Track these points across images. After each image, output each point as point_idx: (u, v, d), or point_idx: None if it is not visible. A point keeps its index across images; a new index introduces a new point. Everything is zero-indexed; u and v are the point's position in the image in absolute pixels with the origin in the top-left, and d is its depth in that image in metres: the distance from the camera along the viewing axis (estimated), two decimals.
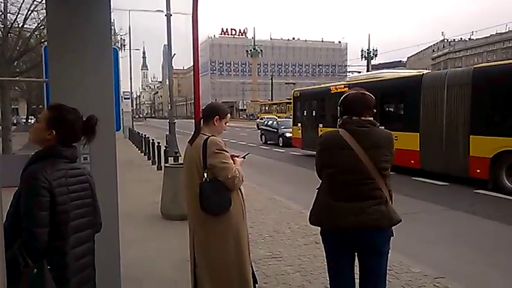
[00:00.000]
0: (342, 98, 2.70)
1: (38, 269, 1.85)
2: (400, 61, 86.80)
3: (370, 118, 2.61)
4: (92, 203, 2.15)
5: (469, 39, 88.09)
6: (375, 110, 2.66)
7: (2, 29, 12.89)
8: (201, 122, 3.20)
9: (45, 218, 1.89)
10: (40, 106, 28.32)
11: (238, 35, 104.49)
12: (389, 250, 2.70)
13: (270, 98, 71.49)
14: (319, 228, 2.76)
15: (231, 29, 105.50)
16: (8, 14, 12.88)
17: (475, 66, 11.11)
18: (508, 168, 9.19)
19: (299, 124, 18.04)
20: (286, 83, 76.28)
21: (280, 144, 21.94)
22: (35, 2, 12.32)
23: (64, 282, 1.95)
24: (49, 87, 3.04)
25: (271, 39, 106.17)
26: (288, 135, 20.84)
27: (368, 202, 2.51)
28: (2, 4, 12.67)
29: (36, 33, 13.66)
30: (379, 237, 2.59)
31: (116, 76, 3.39)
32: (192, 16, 2.93)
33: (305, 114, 17.91)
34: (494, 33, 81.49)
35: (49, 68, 2.87)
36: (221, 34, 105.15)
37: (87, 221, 2.11)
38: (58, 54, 2.82)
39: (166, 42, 18.14)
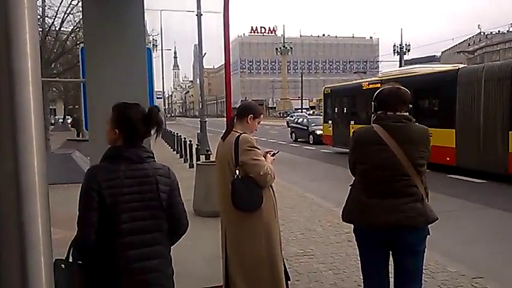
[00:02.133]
0: (376, 93, 2.65)
1: (66, 266, 1.91)
2: (434, 56, 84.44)
3: (405, 113, 2.56)
4: (157, 206, 2.01)
5: (508, 31, 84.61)
6: (410, 105, 2.60)
7: (40, 32, 13.36)
8: (234, 119, 3.22)
9: (92, 217, 1.92)
10: (76, 106, 29.19)
11: (268, 33, 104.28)
12: (425, 249, 2.64)
13: (299, 96, 71.05)
14: (352, 225, 2.73)
15: (261, 27, 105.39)
16: (46, 18, 13.34)
17: None
18: None
19: (330, 121, 17.86)
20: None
21: (311, 142, 21.79)
22: (71, 5, 12.72)
23: (110, 282, 1.96)
24: (85, 87, 3.13)
25: (300, 36, 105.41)
26: (318, 132, 20.68)
27: (403, 199, 2.46)
28: (40, 8, 13.12)
29: (72, 35, 14.10)
30: (415, 236, 2.53)
31: (150, 76, 3.45)
32: (224, 15, 2.94)
33: (336, 111, 17.72)
34: None
35: (86, 68, 2.96)
36: (251, 32, 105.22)
37: (150, 224, 2.00)
38: (94, 55, 2.90)
39: (197, 42, 18.33)
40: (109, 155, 2.04)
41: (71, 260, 1.97)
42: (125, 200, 1.95)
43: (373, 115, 2.64)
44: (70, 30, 13.76)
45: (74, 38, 14.26)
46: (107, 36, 2.90)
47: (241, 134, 3.05)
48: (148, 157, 2.05)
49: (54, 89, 27.25)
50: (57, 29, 13.63)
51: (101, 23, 2.88)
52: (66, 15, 12.99)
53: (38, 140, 0.78)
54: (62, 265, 1.92)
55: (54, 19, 13.33)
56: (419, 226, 2.50)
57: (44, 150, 0.81)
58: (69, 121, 40.96)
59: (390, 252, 2.63)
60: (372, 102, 2.65)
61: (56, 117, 52.91)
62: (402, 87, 2.61)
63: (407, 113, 2.57)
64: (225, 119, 3.65)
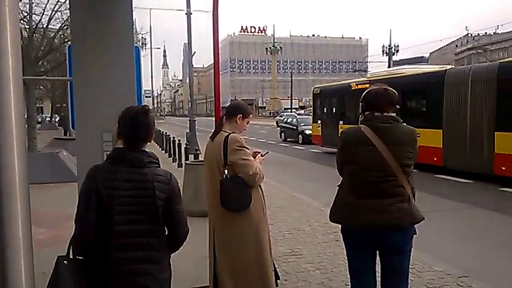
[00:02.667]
0: (364, 93, 2.67)
1: (68, 262, 1.95)
2: (423, 57, 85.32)
3: (393, 114, 2.57)
4: (153, 211, 1.99)
5: (494, 33, 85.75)
6: (398, 106, 2.62)
7: (27, 30, 13.18)
8: (223, 118, 3.22)
9: (88, 216, 1.96)
10: (64, 104, 28.87)
11: (258, 33, 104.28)
12: (412, 249, 2.66)
13: (289, 96, 71.22)
14: (340, 225, 2.74)
15: (251, 27, 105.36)
16: (33, 15, 13.16)
17: (501, 61, 10.87)
18: None
19: (319, 121, 17.93)
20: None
21: (300, 142, 21.86)
22: (59, 3, 12.56)
23: (101, 282, 1.98)
24: (72, 85, 3.10)
25: (290, 36, 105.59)
26: (307, 132, 20.75)
27: (390, 200, 2.48)
28: (27, 5, 12.95)
29: (60, 33, 13.92)
30: (402, 236, 2.55)
31: (138, 74, 3.43)
32: (213, 14, 2.94)
33: (325, 111, 17.79)
34: None
35: (72, 67, 2.93)
36: (240, 32, 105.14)
37: (144, 228, 1.99)
38: (81, 53, 2.87)
39: (186, 41, 18.25)
40: (111, 156, 2.06)
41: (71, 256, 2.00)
42: (121, 202, 1.96)
43: (360, 116, 2.65)
44: (58, 27, 13.60)
45: (62, 36, 14.08)
46: (94, 34, 2.87)
47: (230, 133, 3.05)
48: (150, 162, 2.04)
49: (41, 87, 26.90)
50: (44, 26, 13.46)
51: (89, 21, 2.85)
52: (54, 12, 12.84)
53: (19, 139, 0.76)
54: (65, 261, 1.95)
55: (42, 16, 13.17)
56: (405, 226, 2.52)
57: (24, 149, 0.79)
58: (56, 120, 40.53)
59: (377, 251, 2.65)
60: (360, 103, 2.66)
61: (43, 115, 52.31)
62: (389, 88, 2.63)
63: (395, 114, 2.58)
64: (214, 118, 3.65)
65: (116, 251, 1.96)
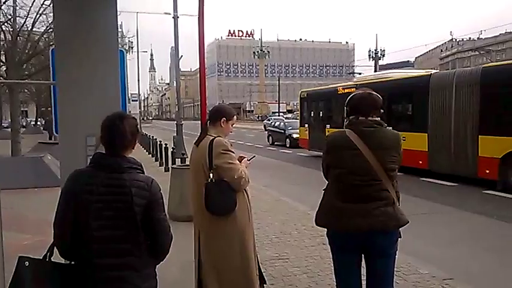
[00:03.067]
0: (348, 98, 2.69)
1: (30, 263, 1.94)
2: (408, 61, 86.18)
3: (377, 118, 2.59)
4: (131, 217, 1.94)
5: (478, 38, 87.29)
6: (382, 111, 2.64)
7: (11, 33, 13.01)
8: (208, 123, 3.21)
9: (65, 220, 1.95)
10: (49, 108, 28.54)
11: (245, 37, 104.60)
12: (397, 252, 2.68)
13: (277, 100, 71.41)
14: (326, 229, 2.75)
15: (238, 31, 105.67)
16: (17, 18, 13.00)
17: (484, 65, 11.04)
18: None
19: (306, 125, 18.00)
20: None
21: (287, 145, 21.89)
22: (43, 5, 12.43)
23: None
24: (56, 89, 3.07)
25: (278, 40, 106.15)
26: (295, 136, 20.80)
27: (375, 203, 2.49)
28: (12, 8, 12.79)
29: (45, 36, 13.77)
30: (386, 239, 2.56)
31: (123, 78, 3.40)
32: (199, 18, 2.93)
33: (312, 115, 17.87)
34: (503, 32, 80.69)
35: (56, 70, 2.90)
36: (228, 36, 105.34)
37: (121, 234, 1.94)
38: (65, 57, 2.84)
39: (173, 44, 18.20)
40: (92, 160, 2.04)
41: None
42: (98, 208, 1.93)
43: (345, 120, 2.67)
44: (43, 30, 13.45)
45: (47, 39, 13.93)
46: (78, 37, 2.84)
47: (215, 137, 3.04)
48: (130, 167, 2.00)
49: (25, 90, 26.56)
50: (29, 29, 13.30)
51: (72, 24, 2.82)
52: (38, 15, 12.70)
53: None
54: (26, 262, 1.93)
55: (26, 19, 13.01)
56: (390, 230, 2.54)
57: None
58: (42, 124, 39.98)
59: (362, 255, 2.66)
60: (345, 107, 2.68)
61: (28, 119, 51.57)
62: (374, 93, 2.65)
63: (379, 118, 2.60)
64: (200, 122, 3.64)
65: (95, 257, 1.93)
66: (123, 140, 2.01)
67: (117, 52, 2.98)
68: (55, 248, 2.02)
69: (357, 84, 14.00)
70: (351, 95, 2.69)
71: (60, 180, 2.96)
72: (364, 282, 2.73)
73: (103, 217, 1.93)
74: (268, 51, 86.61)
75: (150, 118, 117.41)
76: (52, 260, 2.01)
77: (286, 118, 35.41)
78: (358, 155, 2.49)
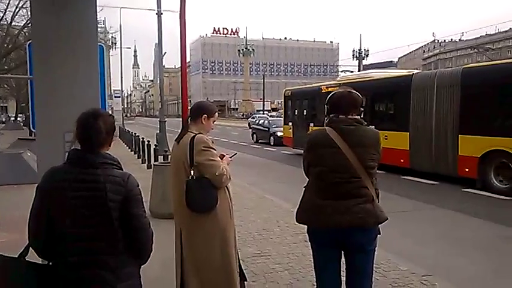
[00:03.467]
0: (329, 96, 2.71)
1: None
2: (391, 61, 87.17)
3: (356, 117, 2.61)
4: (106, 214, 1.89)
5: (459, 40, 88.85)
6: (362, 109, 2.67)
7: None
8: (189, 120, 3.19)
9: (39, 217, 1.92)
10: (23, 104, 28.04)
11: (230, 34, 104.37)
12: (376, 248, 2.71)
13: (261, 98, 71.51)
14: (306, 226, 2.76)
15: (223, 28, 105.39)
16: None
17: (464, 66, 11.23)
18: (496, 168, 9.28)
19: (290, 123, 18.05)
20: None
21: (272, 143, 21.97)
22: None
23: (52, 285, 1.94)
24: (33, 84, 3.01)
25: (263, 38, 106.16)
26: (279, 134, 20.85)
27: (354, 200, 2.51)
28: None
29: (24, 30, 13.51)
30: (365, 236, 2.59)
31: (102, 74, 3.35)
32: (180, 15, 2.90)
33: (296, 113, 17.92)
34: (484, 35, 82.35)
35: (33, 65, 2.84)
36: (213, 33, 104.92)
37: (95, 231, 1.91)
38: (42, 51, 2.78)
39: (157, 41, 18.03)
40: (68, 157, 2.00)
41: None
42: (71, 204, 1.89)
43: (326, 118, 2.68)
44: (22, 24, 13.19)
45: (27, 34, 13.67)
46: (55, 31, 2.78)
47: (196, 134, 3.03)
48: (105, 163, 1.96)
49: (5, 85, 26.01)
50: (8, 23, 13.03)
51: (50, 18, 2.76)
52: (18, 9, 12.46)
53: None
54: None
55: (5, 13, 12.75)
56: (369, 226, 2.57)
57: None
58: (22, 120, 39.22)
59: (342, 251, 2.68)
60: (325, 106, 2.70)
61: (8, 115, 50.56)
62: (354, 91, 2.67)
63: (359, 117, 2.63)
64: (181, 119, 3.61)
65: (69, 255, 1.90)
66: (98, 137, 1.97)
67: (97, 47, 2.93)
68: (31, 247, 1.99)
69: (340, 84, 14.09)
70: (331, 94, 2.71)
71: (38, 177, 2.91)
72: (343, 279, 2.75)
73: (77, 214, 1.89)
74: (253, 49, 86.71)
75: (134, 115, 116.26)
76: (27, 259, 1.97)
77: (270, 116, 35.51)
78: (338, 153, 2.51)
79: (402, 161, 11.51)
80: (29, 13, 12.43)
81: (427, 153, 10.93)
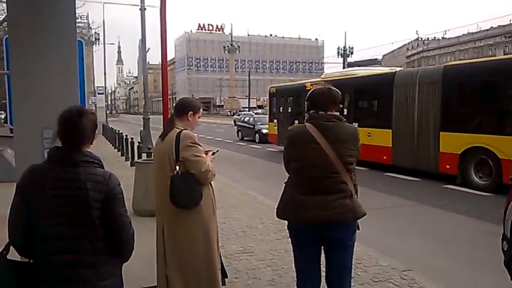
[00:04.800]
0: (309, 93, 2.73)
1: None
2: (376, 59, 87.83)
3: (336, 113, 2.65)
4: (86, 213, 1.88)
5: (442, 38, 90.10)
6: (341, 106, 2.70)
7: None
8: (173, 117, 3.18)
9: (18, 216, 1.91)
10: (4, 101, 27.48)
11: (216, 31, 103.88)
12: (355, 243, 2.75)
13: (247, 95, 71.44)
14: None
15: (208, 25, 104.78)
16: None
17: (445, 64, 11.36)
18: (476, 164, 9.43)
19: (275, 120, 18.06)
20: None
21: (257, 141, 21.99)
22: None
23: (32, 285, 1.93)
24: (10, 79, 2.96)
25: (248, 35, 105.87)
26: (264, 131, 20.88)
27: (333, 196, 2.55)
28: None
29: (4, 24, 13.24)
30: (344, 231, 2.63)
31: (81, 70, 3.31)
32: (160, 10, 2.88)
33: (281, 110, 17.92)
34: (466, 33, 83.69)
35: (10, 60, 2.79)
36: (198, 29, 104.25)
37: (76, 230, 1.89)
38: (19, 45, 2.73)
39: (141, 37, 17.86)
40: (48, 154, 1.99)
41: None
42: (51, 203, 1.88)
43: (306, 114, 2.71)
44: (2, 19, 12.92)
45: (7, 29, 13.41)
46: (32, 26, 2.74)
47: (182, 130, 3.02)
48: (85, 161, 1.94)
49: None
50: None
51: (27, 12, 2.72)
52: None
53: None
54: None
55: None
56: (348, 221, 2.60)
57: None
58: (2, 116, 38.40)
59: (322, 246, 2.71)
60: (305, 102, 2.72)
61: None
62: (333, 88, 2.70)
63: (338, 113, 2.66)
64: (162, 116, 3.59)
65: (49, 254, 1.88)
66: (81, 136, 1.96)
67: (75, 42, 2.90)
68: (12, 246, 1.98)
69: (324, 81, 14.16)
70: (311, 90, 2.74)
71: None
72: (323, 274, 2.79)
73: (57, 213, 1.88)
74: (238, 46, 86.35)
75: (117, 112, 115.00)
76: (8, 257, 1.95)
77: (256, 113, 35.52)
78: (318, 149, 2.54)
79: (385, 157, 11.62)
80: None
81: (409, 150, 11.05)
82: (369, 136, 11.64)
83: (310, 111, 2.67)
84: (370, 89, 12.82)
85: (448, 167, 9.96)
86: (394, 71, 12.43)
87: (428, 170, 10.54)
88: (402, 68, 15.65)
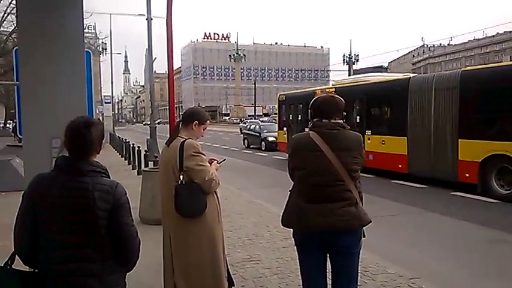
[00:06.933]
0: (312, 101, 2.75)
1: None
2: (382, 66, 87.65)
3: (339, 121, 2.66)
4: (93, 222, 1.89)
5: (448, 44, 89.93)
6: (344, 113, 2.71)
7: None
8: (180, 125, 3.21)
9: (25, 224, 1.92)
10: (12, 111, 27.81)
11: (221, 40, 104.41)
12: (361, 251, 2.74)
13: (253, 103, 71.55)
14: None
15: (214, 34, 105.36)
16: None
17: (463, 69, 10.81)
18: (497, 173, 9.02)
19: (284, 128, 17.65)
20: None
21: (263, 149, 21.95)
22: (11, 5, 12.14)
23: None
24: (20, 90, 3.01)
25: (254, 43, 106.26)
26: (270, 139, 20.87)
27: (338, 204, 2.55)
28: None
29: (13, 36, 13.45)
30: (350, 238, 2.63)
31: (89, 80, 3.36)
32: (167, 21, 2.92)
33: (291, 118, 17.48)
34: (472, 39, 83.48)
35: (20, 71, 2.85)
36: (204, 38, 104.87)
37: (82, 239, 1.90)
38: (28, 57, 2.79)
39: (147, 46, 17.98)
40: (56, 164, 2.00)
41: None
42: (58, 212, 1.90)
43: (310, 122, 2.72)
44: (11, 30, 13.13)
45: (16, 39, 13.60)
46: (42, 37, 2.79)
47: (186, 139, 3.05)
48: (92, 171, 1.96)
49: None
50: None
51: (36, 25, 2.78)
52: (6, 14, 12.40)
53: None
54: None
55: None
56: (353, 229, 2.60)
57: None
58: (12, 126, 38.77)
59: (327, 254, 2.71)
60: (309, 110, 2.74)
61: None
62: (336, 96, 2.72)
63: (342, 121, 2.67)
64: (168, 125, 3.62)
65: (55, 263, 1.90)
66: (88, 147, 1.99)
67: (83, 53, 2.95)
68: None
69: (335, 87, 13.87)
70: (314, 98, 2.76)
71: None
72: (329, 281, 2.78)
73: (64, 222, 1.90)
74: (244, 55, 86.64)
75: (124, 121, 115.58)
76: (14, 267, 1.96)
77: (261, 121, 35.53)
78: (321, 157, 2.55)
79: (400, 166, 11.25)
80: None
81: (425, 158, 10.65)
82: (383, 144, 11.39)
83: (314, 119, 2.69)
84: (383, 95, 12.44)
85: (467, 175, 9.54)
86: (408, 76, 12.09)
87: (446, 179, 10.12)
88: (416, 74, 15.39)
